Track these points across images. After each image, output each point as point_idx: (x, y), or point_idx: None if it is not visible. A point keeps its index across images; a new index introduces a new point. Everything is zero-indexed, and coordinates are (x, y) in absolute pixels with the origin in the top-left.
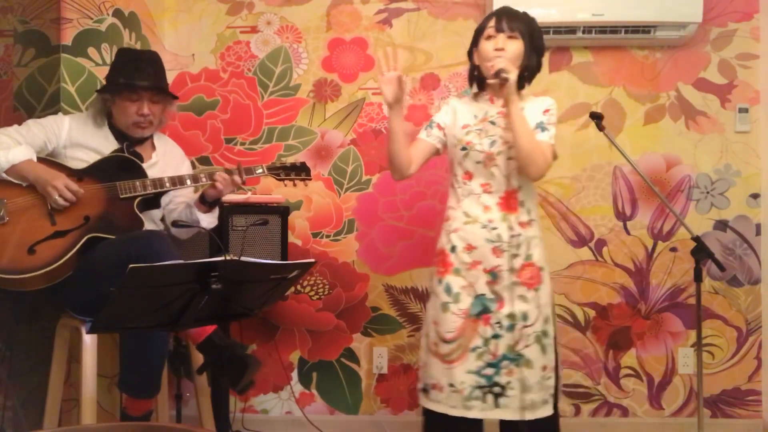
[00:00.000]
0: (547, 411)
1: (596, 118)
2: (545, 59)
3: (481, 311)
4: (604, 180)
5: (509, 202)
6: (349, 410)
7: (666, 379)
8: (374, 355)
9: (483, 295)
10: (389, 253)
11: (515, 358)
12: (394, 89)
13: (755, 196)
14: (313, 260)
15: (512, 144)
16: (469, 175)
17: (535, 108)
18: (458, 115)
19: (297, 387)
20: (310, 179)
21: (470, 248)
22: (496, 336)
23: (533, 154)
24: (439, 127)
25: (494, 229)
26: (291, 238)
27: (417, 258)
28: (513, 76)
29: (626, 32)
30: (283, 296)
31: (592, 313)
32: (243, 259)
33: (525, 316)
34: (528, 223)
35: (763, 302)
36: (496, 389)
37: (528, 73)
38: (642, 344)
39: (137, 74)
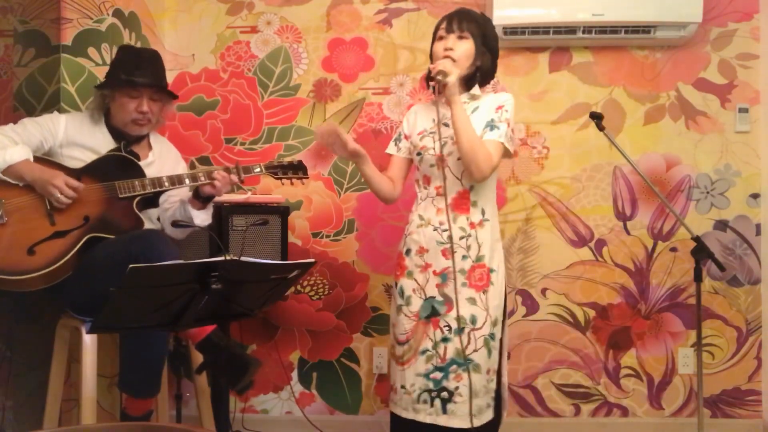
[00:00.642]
0: (488, 416)
1: (596, 118)
2: (545, 59)
3: (431, 314)
4: (604, 180)
5: (460, 202)
6: (349, 410)
7: (666, 379)
8: (374, 355)
9: (433, 297)
10: (389, 253)
11: (464, 363)
12: (337, 144)
13: (755, 196)
14: (313, 260)
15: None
16: (426, 180)
17: (490, 105)
18: (417, 120)
19: (297, 387)
20: (307, 177)
21: (422, 251)
22: (444, 339)
23: (474, 154)
24: (406, 137)
25: (445, 230)
26: (291, 238)
27: None
28: (452, 78)
29: (626, 32)
30: (283, 296)
31: (592, 313)
32: (243, 259)
33: (474, 320)
34: (479, 223)
35: (763, 302)
36: (444, 394)
37: (481, 73)
38: (642, 344)
39: (138, 71)
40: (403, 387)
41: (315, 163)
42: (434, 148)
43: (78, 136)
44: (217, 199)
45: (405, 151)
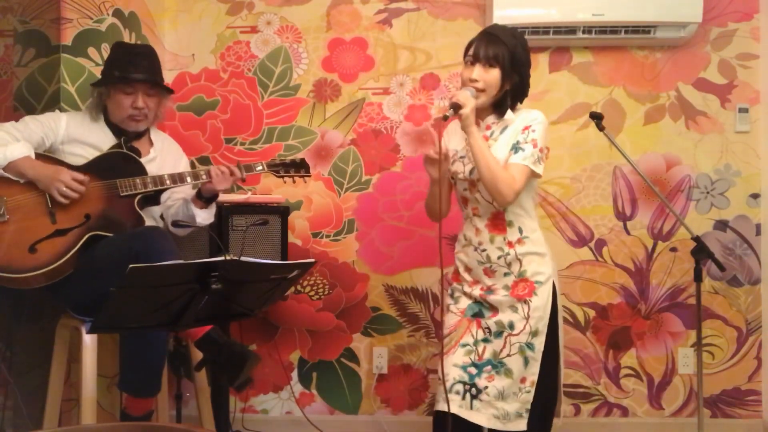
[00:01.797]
0: (520, 425)
1: (596, 118)
2: (545, 59)
3: (476, 314)
4: (604, 180)
5: (496, 223)
6: (349, 410)
7: (666, 379)
8: (374, 355)
9: (480, 302)
10: (389, 253)
11: (497, 365)
12: (437, 168)
13: (755, 196)
14: (313, 260)
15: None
16: (464, 201)
17: (517, 125)
18: (451, 143)
19: (297, 387)
20: (310, 176)
21: (468, 270)
22: (485, 340)
23: (494, 182)
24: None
25: (483, 251)
26: (291, 238)
27: (417, 258)
28: (466, 110)
29: (626, 32)
30: (283, 296)
31: (592, 313)
32: (243, 259)
33: (512, 325)
34: (518, 241)
35: (763, 302)
36: (474, 390)
37: (511, 96)
38: (642, 344)
39: (132, 67)
40: (441, 378)
41: (315, 163)
42: (464, 173)
43: (79, 133)
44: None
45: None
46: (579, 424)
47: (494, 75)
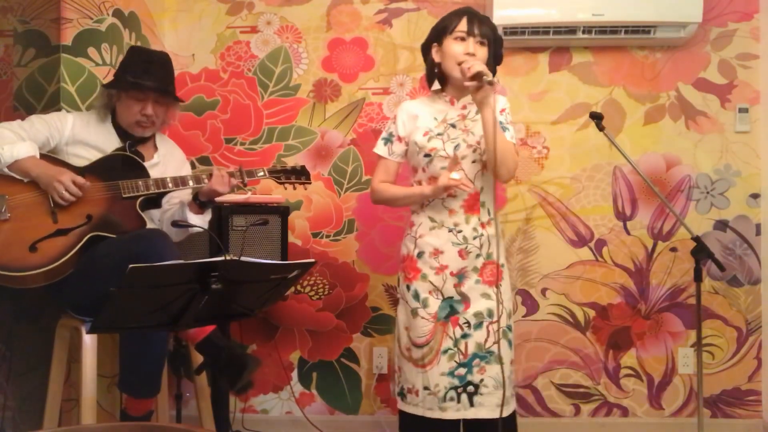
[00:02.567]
0: (513, 406)
1: (596, 118)
2: (545, 59)
3: (449, 313)
4: (604, 180)
5: (471, 204)
6: (349, 410)
7: (666, 379)
8: (374, 355)
9: (450, 297)
10: (389, 253)
11: (485, 355)
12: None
13: (755, 196)
14: (313, 260)
15: (481, 147)
16: (434, 180)
17: (496, 109)
18: (418, 120)
19: (297, 387)
20: (310, 183)
21: (437, 253)
22: (465, 336)
23: (505, 157)
24: (399, 139)
25: (459, 231)
26: (291, 238)
27: None
28: (492, 79)
29: (626, 32)
30: (283, 296)
31: (592, 313)
32: (243, 259)
33: (490, 313)
34: (488, 222)
35: (763, 302)
36: (470, 388)
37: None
38: (642, 344)
39: (146, 75)
40: (426, 388)
41: (315, 163)
42: (444, 150)
43: (84, 135)
44: (217, 199)
45: (397, 156)
46: (579, 424)
47: (484, 53)
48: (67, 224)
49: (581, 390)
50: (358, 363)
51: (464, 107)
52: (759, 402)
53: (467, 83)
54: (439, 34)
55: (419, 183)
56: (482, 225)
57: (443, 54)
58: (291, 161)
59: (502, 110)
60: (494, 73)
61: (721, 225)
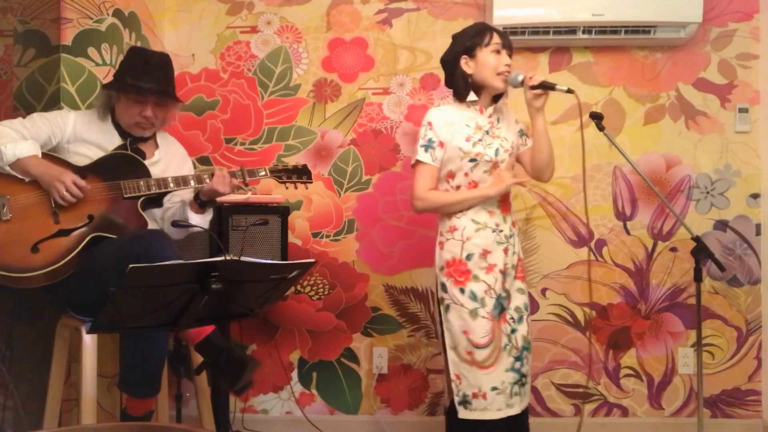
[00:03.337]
0: None
1: (596, 118)
2: (545, 59)
3: (501, 310)
4: (604, 180)
5: (505, 205)
6: (349, 410)
7: (666, 379)
8: (374, 355)
9: (500, 295)
10: (389, 253)
11: (527, 346)
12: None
13: (755, 196)
14: (313, 260)
15: (515, 151)
16: (474, 184)
17: (510, 116)
18: (455, 127)
19: (297, 387)
20: (311, 182)
21: (485, 253)
22: (513, 330)
23: (552, 160)
24: (441, 145)
25: (501, 231)
26: (291, 238)
27: (417, 258)
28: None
29: (626, 32)
30: (283, 296)
31: (592, 313)
32: (243, 259)
33: (527, 307)
34: (514, 221)
35: (763, 302)
36: (523, 380)
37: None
38: (642, 344)
39: (145, 77)
40: (495, 388)
41: (315, 163)
42: (487, 155)
43: (86, 133)
44: (217, 199)
45: (438, 161)
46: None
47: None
48: (69, 225)
49: (581, 390)
50: (358, 363)
51: (490, 116)
52: (759, 402)
53: (532, 91)
54: (469, 48)
55: (457, 188)
56: (513, 224)
57: (478, 65)
58: (291, 161)
59: (516, 119)
60: None
61: (721, 225)
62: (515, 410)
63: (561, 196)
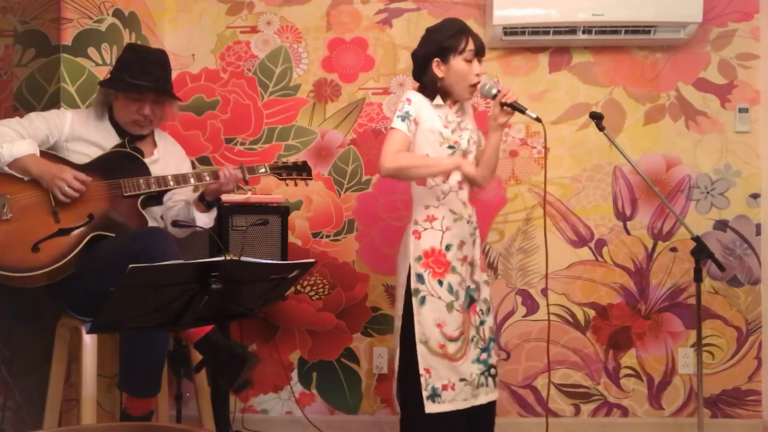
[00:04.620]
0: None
1: (596, 118)
2: (545, 59)
3: (470, 302)
4: (604, 180)
5: (471, 197)
6: (349, 410)
7: (666, 379)
8: (374, 355)
9: (469, 286)
10: (389, 253)
11: (494, 338)
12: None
13: (755, 196)
14: (313, 260)
15: (481, 154)
16: (446, 174)
17: (472, 116)
18: (432, 114)
19: (297, 387)
20: (311, 178)
21: (462, 244)
22: (482, 322)
23: (494, 173)
24: (415, 122)
25: (471, 222)
26: (291, 238)
27: None
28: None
29: (626, 32)
30: (283, 296)
31: (592, 313)
32: (243, 259)
33: (491, 298)
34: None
35: (763, 302)
36: (492, 371)
37: None
38: (642, 344)
39: (143, 75)
40: (463, 380)
41: (315, 163)
42: (461, 144)
43: (83, 131)
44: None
45: (412, 134)
46: (579, 424)
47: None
48: (69, 224)
49: (581, 390)
50: (358, 363)
51: (457, 112)
52: (759, 402)
53: (503, 108)
54: (443, 51)
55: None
56: (476, 216)
57: (450, 71)
58: (293, 160)
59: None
60: None
61: (721, 225)
62: (480, 401)
63: (561, 196)
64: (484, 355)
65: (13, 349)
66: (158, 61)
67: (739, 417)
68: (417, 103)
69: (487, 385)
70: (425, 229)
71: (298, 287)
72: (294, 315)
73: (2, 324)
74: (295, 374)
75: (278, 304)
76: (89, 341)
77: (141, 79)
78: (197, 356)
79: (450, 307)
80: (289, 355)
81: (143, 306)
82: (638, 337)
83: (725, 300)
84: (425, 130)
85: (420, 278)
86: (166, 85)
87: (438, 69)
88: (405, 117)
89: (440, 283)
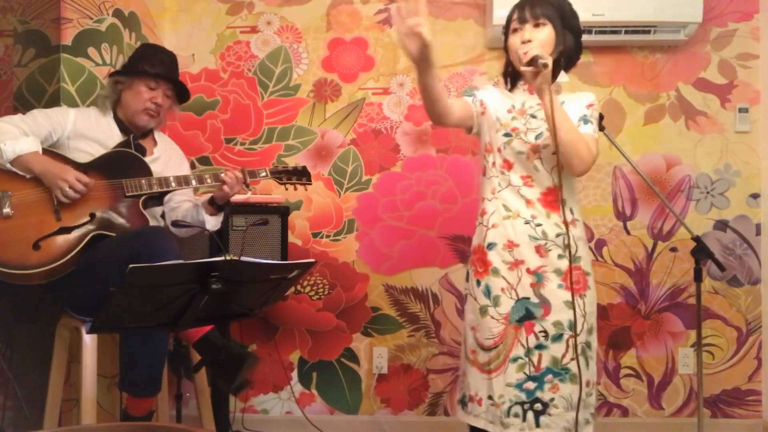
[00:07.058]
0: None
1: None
2: None
3: (524, 317)
4: (604, 180)
5: (549, 199)
6: (349, 410)
7: (666, 379)
8: (374, 355)
9: (527, 298)
10: (389, 253)
11: (560, 372)
12: (417, 44)
13: (755, 196)
14: (313, 260)
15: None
16: (508, 165)
17: (578, 102)
18: (500, 100)
19: (297, 387)
20: (310, 183)
21: (511, 245)
22: (540, 347)
23: (576, 145)
24: (482, 104)
25: (538, 225)
26: (291, 238)
27: (417, 258)
28: (550, 62)
29: (626, 32)
30: (283, 296)
31: None
32: (243, 259)
33: (571, 326)
34: (572, 222)
35: (763, 302)
36: (537, 406)
37: (565, 58)
38: (642, 344)
39: (161, 66)
40: (490, 398)
41: (315, 163)
42: (525, 134)
43: (86, 129)
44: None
45: (472, 105)
46: None
47: (547, 32)
48: (70, 222)
49: None
50: (358, 363)
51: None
52: (759, 402)
53: (524, 69)
54: (505, 30)
55: (493, 164)
56: (565, 223)
57: (509, 50)
58: (291, 161)
59: (590, 105)
60: (578, 47)
61: (721, 225)
62: (493, 430)
63: None
64: (530, 384)
65: (13, 349)
66: (171, 58)
67: (739, 417)
68: (488, 90)
69: (524, 419)
70: (477, 224)
71: (298, 287)
72: (294, 315)
73: (2, 324)
74: (295, 374)
75: (278, 304)
76: (89, 341)
77: (159, 68)
78: (197, 356)
79: (483, 311)
80: (289, 355)
81: (143, 306)
82: (638, 337)
83: (725, 300)
84: (490, 118)
85: (467, 275)
86: (180, 81)
87: (507, 53)
88: (469, 94)
89: (478, 283)
